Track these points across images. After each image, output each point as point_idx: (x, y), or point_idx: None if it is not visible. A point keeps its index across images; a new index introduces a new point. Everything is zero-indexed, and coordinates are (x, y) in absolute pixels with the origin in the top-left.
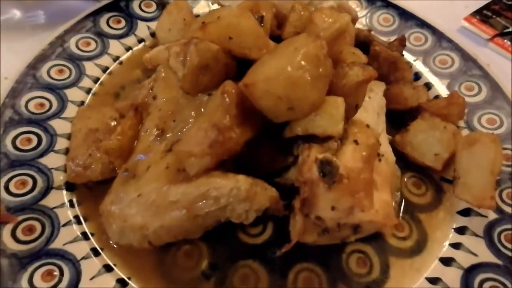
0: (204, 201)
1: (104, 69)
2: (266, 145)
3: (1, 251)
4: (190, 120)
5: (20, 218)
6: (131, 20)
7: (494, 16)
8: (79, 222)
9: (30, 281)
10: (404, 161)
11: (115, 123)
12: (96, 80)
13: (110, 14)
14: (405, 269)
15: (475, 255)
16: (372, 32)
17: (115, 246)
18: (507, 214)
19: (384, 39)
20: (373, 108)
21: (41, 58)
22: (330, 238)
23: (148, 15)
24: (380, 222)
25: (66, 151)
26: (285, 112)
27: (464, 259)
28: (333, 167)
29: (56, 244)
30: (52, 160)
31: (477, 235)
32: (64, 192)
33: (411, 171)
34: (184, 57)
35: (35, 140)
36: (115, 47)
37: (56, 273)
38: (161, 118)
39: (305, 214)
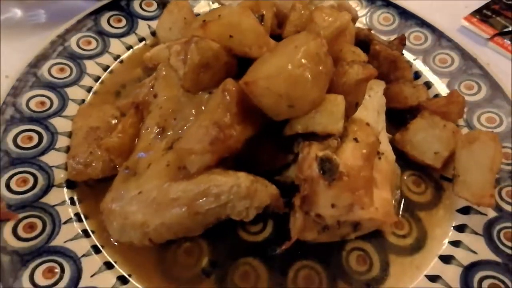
0: (204, 198)
1: (105, 68)
2: (266, 143)
3: (2, 248)
4: (191, 118)
5: (21, 215)
6: (132, 19)
7: (494, 16)
8: (79, 220)
9: (31, 278)
10: (404, 160)
11: (116, 121)
12: (97, 78)
13: (111, 13)
14: (405, 267)
15: (475, 253)
16: (372, 31)
17: (115, 243)
18: (507, 212)
19: (384, 38)
20: (373, 107)
21: (42, 57)
22: (330, 235)
23: (148, 14)
24: (380, 220)
25: (67, 149)
26: (286, 110)
27: (464, 257)
28: (333, 164)
29: (57, 242)
30: (53, 158)
31: (476, 233)
32: (65, 190)
33: (411, 170)
34: (185, 56)
35: (36, 138)
36: (116, 46)
37: (57, 270)
38: (162, 116)
39: (305, 212)
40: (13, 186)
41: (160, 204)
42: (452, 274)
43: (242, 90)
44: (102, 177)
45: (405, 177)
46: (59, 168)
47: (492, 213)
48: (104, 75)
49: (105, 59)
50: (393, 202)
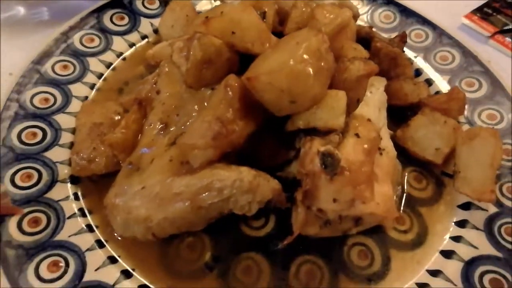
0: (207, 192)
1: (108, 65)
2: (268, 139)
3: (8, 242)
4: (194, 114)
5: (26, 210)
6: (134, 17)
7: (494, 14)
8: (83, 215)
9: (36, 271)
10: (405, 156)
11: (119, 117)
12: (100, 75)
13: (113, 11)
14: (406, 262)
15: (476, 247)
16: (374, 29)
17: (119, 238)
18: (507, 208)
19: (385, 36)
20: (374, 103)
21: (46, 54)
22: (331, 230)
23: (151, 12)
24: (381, 215)
25: (71, 145)
26: (287, 105)
27: (465, 252)
28: (335, 159)
29: (62, 236)
30: (57, 154)
31: (477, 228)
32: (69, 185)
33: (412, 166)
34: (188, 52)
35: (40, 134)
36: (118, 43)
37: (62, 264)
38: (165, 112)
39: (307, 206)
40: (17, 181)
41: (163, 198)
42: (453, 269)
43: (244, 85)
44: (106, 172)
45: (406, 173)
46: (63, 163)
47: (492, 209)
48: (107, 72)
49: (108, 56)
50: (394, 197)
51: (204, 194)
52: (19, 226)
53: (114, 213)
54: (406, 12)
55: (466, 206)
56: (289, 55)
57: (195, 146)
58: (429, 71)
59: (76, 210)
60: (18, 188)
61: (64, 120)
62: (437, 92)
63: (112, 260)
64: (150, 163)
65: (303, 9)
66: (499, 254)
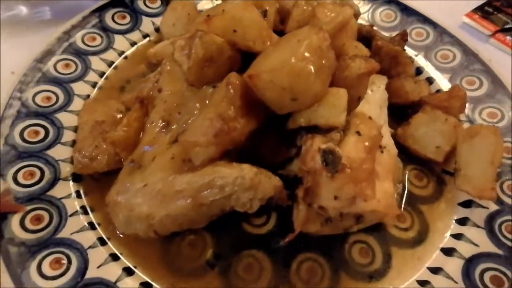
0: (209, 189)
1: (110, 64)
2: (270, 137)
3: (10, 239)
4: (195, 112)
5: (29, 208)
6: (136, 15)
7: (495, 13)
8: (85, 213)
9: (39, 268)
10: (406, 154)
11: (121, 115)
12: (101, 74)
13: (115, 10)
14: (407, 259)
15: (476, 245)
16: (374, 28)
17: (121, 236)
18: (508, 206)
19: (386, 34)
20: (375, 101)
21: (48, 53)
22: (333, 228)
23: (152, 11)
24: (382, 212)
25: (73, 143)
26: (289, 103)
27: (465, 249)
28: (336, 156)
29: (64, 234)
30: (59, 152)
31: (478, 226)
32: (71, 183)
33: (413, 164)
34: (189, 51)
35: (42, 132)
36: (120, 42)
37: (64, 261)
38: (167, 110)
39: (308, 204)
40: (20, 179)
41: (165, 196)
42: (453, 266)
43: (246, 83)
44: (108, 170)
45: (407, 171)
46: (65, 162)
47: (493, 207)
48: (108, 71)
49: (110, 55)
50: (395, 195)
51: (205, 191)
52: (22, 223)
53: (116, 211)
54: (407, 11)
55: (466, 204)
56: (290, 53)
57: (197, 144)
58: (430, 69)
59: (78, 208)
60: (21, 186)
61: (66, 118)
62: (438, 91)
63: (114, 257)
64: (152, 161)
65: (304, 8)
66: (500, 252)
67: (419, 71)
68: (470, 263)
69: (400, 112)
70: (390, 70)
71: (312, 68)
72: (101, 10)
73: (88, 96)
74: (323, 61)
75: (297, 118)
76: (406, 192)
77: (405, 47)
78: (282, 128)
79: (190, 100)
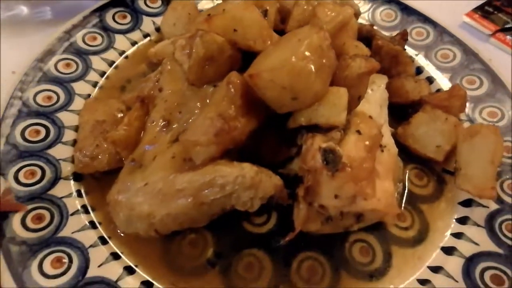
0: (210, 188)
1: (110, 63)
2: (270, 136)
3: (11, 238)
4: (196, 111)
5: (30, 207)
6: (137, 15)
7: (495, 12)
8: (86, 212)
9: (40, 267)
10: (406, 153)
11: (122, 115)
12: (102, 74)
13: (116, 9)
14: (407, 258)
15: (477, 244)
16: (375, 27)
17: (122, 235)
18: (508, 205)
19: (386, 34)
20: (375, 100)
21: (49, 52)
22: (333, 227)
23: (153, 11)
24: (382, 211)
25: (74, 143)
26: (289, 102)
27: (466, 248)
28: (336, 155)
29: (65, 233)
30: (60, 151)
31: (478, 225)
32: (72, 182)
33: (413, 163)
34: (190, 50)
35: (43, 131)
36: (121, 41)
37: (65, 260)
38: (167, 110)
39: (308, 203)
40: (21, 178)
41: (166, 195)
42: (454, 265)
43: (246, 83)
44: (108, 169)
45: (407, 171)
46: (66, 161)
47: (493, 206)
48: (109, 70)
49: (110, 54)
50: (396, 194)
51: (206, 190)
52: (23, 222)
53: (117, 210)
54: (407, 10)
55: (467, 203)
56: (291, 52)
57: (198, 143)
58: (430, 69)
59: (79, 207)
60: (22, 185)
61: (67, 118)
62: (438, 90)
63: (115, 256)
64: (152, 160)
65: (305, 7)
66: (500, 251)
67: (419, 70)
68: (471, 262)
69: (401, 111)
70: (391, 70)
71: (312, 67)
72: (101, 9)
73: (89, 95)
74: (324, 60)
75: (297, 117)
76: (406, 191)
77: (406, 47)
78: (282, 127)
79: (190, 99)
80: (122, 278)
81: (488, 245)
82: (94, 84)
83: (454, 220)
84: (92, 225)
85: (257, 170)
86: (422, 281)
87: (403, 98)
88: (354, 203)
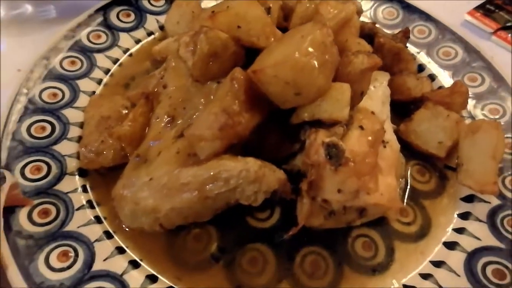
0: (214, 182)
1: (115, 61)
2: (273, 132)
3: (18, 232)
4: (200, 107)
5: (36, 202)
6: (140, 13)
7: (497, 11)
8: (92, 207)
9: (47, 261)
10: (409, 150)
11: (127, 111)
12: (107, 71)
13: (120, 8)
14: (410, 253)
15: (478, 239)
16: (377, 25)
17: (127, 229)
18: (510, 200)
19: (389, 32)
20: (378, 97)
21: (54, 50)
22: (336, 221)
23: (157, 9)
24: (385, 206)
25: (79, 139)
26: (292, 98)
27: (468, 243)
28: (339, 150)
29: (71, 227)
30: (65, 147)
31: (480, 220)
32: (77, 177)
33: (416, 159)
34: (194, 47)
35: (49, 128)
36: (125, 39)
37: (71, 254)
38: (172, 106)
39: (312, 197)
40: (27, 173)
41: (170, 189)
42: (456, 259)
43: (250, 78)
44: (113, 165)
45: (409, 167)
46: (72, 157)
47: (495, 201)
48: (113, 68)
49: (115, 52)
50: (398, 190)
51: (211, 184)
52: (29, 217)
53: (122, 204)
54: (409, 9)
55: (469, 199)
56: (294, 48)
57: (202, 137)
58: (432, 66)
59: (84, 202)
60: (28, 180)
61: (72, 114)
62: (440, 87)
63: (120, 250)
64: (157, 155)
65: (308, 5)
66: (502, 245)
67: (421, 68)
68: (472, 256)
69: (403, 108)
70: (393, 67)
71: (315, 63)
72: (106, 8)
73: (94, 92)
74: (327, 56)
75: (300, 113)
76: (408, 187)
77: (407, 44)
78: (286, 123)
79: (195, 95)
80: (127, 272)
81: (490, 240)
82: (99, 82)
83: (456, 216)
84: (98, 219)
85: (261, 164)
86: (425, 276)
87: (405, 95)
88: (357, 197)
